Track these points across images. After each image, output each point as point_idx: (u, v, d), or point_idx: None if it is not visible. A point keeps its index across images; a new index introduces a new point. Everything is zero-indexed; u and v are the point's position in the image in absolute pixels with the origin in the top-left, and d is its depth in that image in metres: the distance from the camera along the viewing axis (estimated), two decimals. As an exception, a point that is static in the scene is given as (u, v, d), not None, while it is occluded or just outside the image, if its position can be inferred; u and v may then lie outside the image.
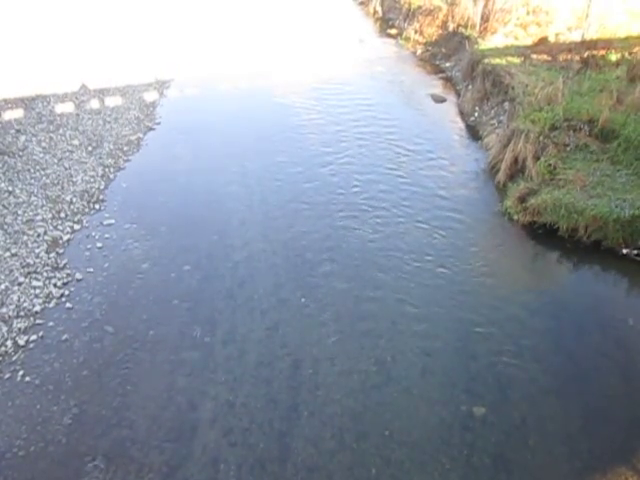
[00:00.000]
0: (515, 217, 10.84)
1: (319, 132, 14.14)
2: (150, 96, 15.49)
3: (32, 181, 11.24)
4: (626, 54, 15.18)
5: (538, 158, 11.50)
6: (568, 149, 11.64)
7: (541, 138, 11.83)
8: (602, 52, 15.40)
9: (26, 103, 14.02)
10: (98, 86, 15.38)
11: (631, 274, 9.64)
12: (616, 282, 9.73)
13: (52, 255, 9.39)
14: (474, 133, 14.90)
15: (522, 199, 10.92)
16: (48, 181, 11.28)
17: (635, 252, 9.80)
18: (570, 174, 10.91)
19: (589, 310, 8.99)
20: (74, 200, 10.81)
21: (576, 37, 16.53)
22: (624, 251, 9.85)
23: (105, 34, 19.52)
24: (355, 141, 13.76)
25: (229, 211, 10.99)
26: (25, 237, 9.69)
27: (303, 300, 8.86)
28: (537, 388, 7.43)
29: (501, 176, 12.01)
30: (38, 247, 9.50)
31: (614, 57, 15.18)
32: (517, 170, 11.81)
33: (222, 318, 8.48)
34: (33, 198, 10.72)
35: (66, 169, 11.75)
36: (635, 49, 15.26)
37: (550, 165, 11.23)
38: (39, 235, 9.78)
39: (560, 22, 17.82)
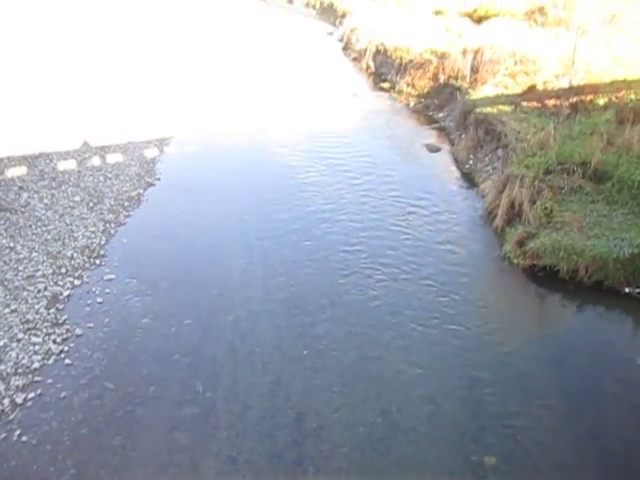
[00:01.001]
0: (515, 261, 10.85)
1: (318, 186, 14.28)
2: (151, 153, 15.80)
3: (34, 237, 11.31)
4: (613, 98, 15.63)
5: (534, 202, 11.63)
6: (563, 192, 11.79)
7: (536, 182, 12.00)
8: (590, 97, 15.86)
9: (29, 161, 14.30)
10: (100, 143, 15.72)
11: (635, 312, 9.57)
12: (621, 321, 9.66)
13: (52, 311, 9.33)
14: (470, 180, 15.12)
15: (521, 243, 10.97)
16: (49, 237, 11.36)
17: (637, 290, 9.77)
18: (567, 216, 11.00)
19: (596, 352, 8.87)
20: (75, 255, 10.84)
21: (564, 84, 17.04)
22: (626, 290, 9.81)
23: (106, 86, 20.12)
24: (354, 194, 13.88)
25: (229, 266, 10.99)
26: (25, 293, 9.66)
27: (305, 352, 8.74)
28: (549, 435, 7.23)
29: (498, 221, 12.10)
30: (38, 303, 9.45)
31: (602, 101, 15.62)
32: (514, 215, 11.92)
33: (224, 372, 8.34)
34: (34, 254, 10.76)
35: (67, 225, 11.84)
36: (621, 93, 15.72)
37: (546, 208, 11.35)
38: (39, 291, 9.76)
39: (547, 70, 18.40)
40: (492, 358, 8.64)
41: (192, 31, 33.70)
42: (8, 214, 11.99)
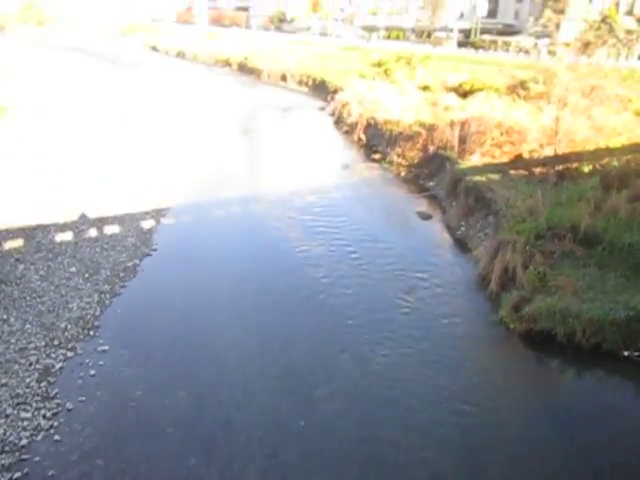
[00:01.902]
0: (511, 326, 10.83)
1: (313, 257, 14.35)
2: (147, 224, 16.01)
3: (27, 309, 11.23)
4: (597, 165, 16.19)
5: (527, 267, 11.76)
6: (555, 256, 11.96)
7: (527, 247, 12.20)
8: (575, 165, 16.42)
9: (27, 233, 14.43)
10: (97, 215, 15.93)
11: (636, 377, 9.47)
12: (622, 387, 9.54)
13: (43, 384, 9.13)
14: (462, 246, 15.33)
15: (516, 308, 11.00)
16: (44, 308, 11.28)
17: (637, 354, 9.71)
18: (560, 280, 11.10)
19: (599, 420, 8.71)
20: (69, 327, 10.73)
21: (549, 153, 17.67)
22: (625, 353, 9.75)
23: (104, 158, 20.59)
24: (349, 264, 13.94)
25: (225, 336, 10.90)
26: (17, 366, 9.48)
27: (302, 424, 8.53)
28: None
29: (493, 286, 12.17)
30: (29, 376, 9.25)
31: (586, 169, 16.17)
32: (508, 279, 12.01)
33: (219, 446, 8.09)
34: (27, 326, 10.65)
35: (62, 296, 11.80)
36: (605, 160, 16.30)
37: (539, 273, 11.47)
38: (31, 364, 9.58)
39: (532, 140, 19.11)
40: (497, 438, 8.42)
41: (195, 109, 35.00)
42: (3, 286, 11.97)
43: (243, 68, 61.69)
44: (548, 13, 48.69)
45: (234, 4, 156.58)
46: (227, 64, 66.75)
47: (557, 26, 53.83)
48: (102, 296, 12.02)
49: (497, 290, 11.99)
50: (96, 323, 11.03)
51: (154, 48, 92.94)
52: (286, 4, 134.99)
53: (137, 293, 12.49)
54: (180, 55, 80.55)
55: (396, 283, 12.94)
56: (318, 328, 11.16)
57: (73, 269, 12.95)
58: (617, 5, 62.48)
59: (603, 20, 51.21)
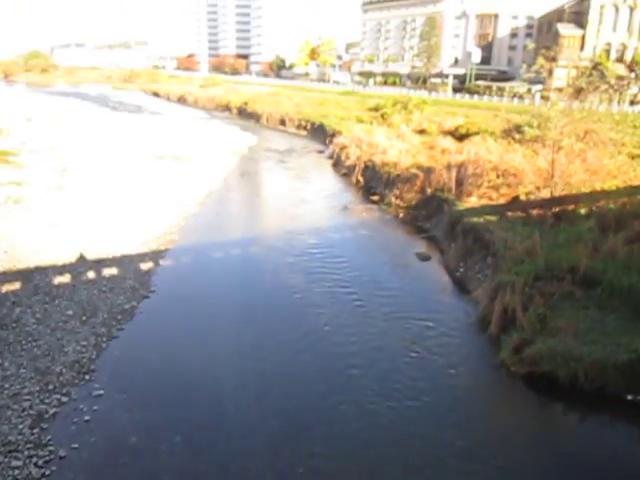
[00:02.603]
0: (513, 369, 10.69)
1: (314, 301, 14.25)
2: (146, 265, 15.98)
3: (22, 353, 11.07)
4: (593, 207, 16.32)
5: (527, 308, 11.70)
6: (554, 298, 11.90)
7: (527, 289, 12.16)
8: (571, 207, 16.55)
9: (25, 276, 14.36)
10: (96, 256, 15.93)
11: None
12: (627, 431, 9.33)
13: (36, 431, 8.91)
14: (461, 287, 15.29)
15: (517, 350, 10.88)
16: (39, 352, 11.12)
17: (640, 398, 9.56)
18: (561, 322, 11.02)
19: (605, 467, 8.49)
20: (64, 371, 10.56)
21: (545, 194, 17.85)
22: (629, 397, 9.59)
23: (106, 198, 20.71)
24: (350, 308, 13.89)
25: (223, 382, 10.73)
26: (9, 412, 9.28)
27: (301, 471, 8.31)
28: None
29: (493, 328, 12.09)
30: (22, 422, 9.04)
31: (583, 210, 16.29)
32: (508, 321, 11.92)
33: (215, 495, 7.86)
34: (22, 370, 10.48)
35: (58, 339, 11.66)
36: (601, 202, 16.45)
37: (540, 314, 11.39)
38: (24, 410, 9.38)
39: (528, 182, 19.35)
40: (499, 468, 8.26)
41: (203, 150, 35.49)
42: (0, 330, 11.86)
43: (243, 112, 63.06)
44: (541, 60, 50.09)
45: (234, 51, 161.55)
46: (227, 109, 68.26)
47: (550, 72, 55.36)
48: (98, 339, 11.88)
49: (497, 332, 11.89)
50: (92, 367, 10.87)
51: (156, 94, 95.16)
52: (285, 51, 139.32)
53: (134, 336, 12.35)
54: (181, 100, 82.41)
55: (398, 329, 12.77)
56: (319, 377, 10.95)
57: (70, 312, 12.85)
58: (607, 52, 64.49)
59: (594, 67, 52.72)
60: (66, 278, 14.54)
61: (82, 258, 15.77)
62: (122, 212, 20.35)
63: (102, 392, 10.07)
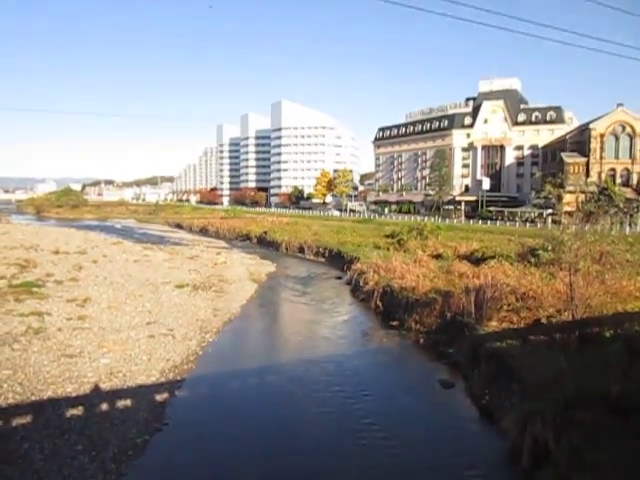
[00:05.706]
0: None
1: (332, 434, 13.80)
2: (161, 396, 15.60)
3: (24, 495, 10.53)
4: (619, 330, 15.88)
5: (559, 440, 10.98)
6: (587, 427, 11.19)
7: (557, 418, 11.50)
8: (595, 329, 16.13)
9: (37, 408, 14.01)
10: (111, 387, 15.63)
11: None
12: None
13: None
14: (488, 416, 14.56)
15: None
16: (41, 495, 10.57)
17: None
18: (598, 456, 10.24)
19: None
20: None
21: (566, 317, 17.51)
22: None
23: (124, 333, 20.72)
24: (370, 440, 13.36)
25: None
26: None
27: None
28: None
29: (525, 462, 11.28)
30: None
31: (608, 333, 15.84)
32: (540, 454, 11.15)
33: None
34: (23, 514, 9.90)
35: (64, 478, 11.10)
36: (626, 325, 16.03)
37: (574, 447, 10.64)
38: None
39: (548, 305, 19.11)
40: None
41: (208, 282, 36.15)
42: (4, 466, 11.36)
43: (262, 241, 65.09)
44: (548, 187, 52.13)
45: (254, 184, 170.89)
46: (247, 238, 70.61)
47: (559, 198, 57.10)
48: (107, 476, 11.30)
49: (530, 466, 11.07)
50: (97, 510, 10.23)
51: (179, 225, 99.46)
52: (303, 182, 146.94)
53: (144, 473, 11.74)
54: (203, 231, 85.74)
55: (425, 466, 12.03)
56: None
57: (80, 447, 12.37)
58: (613, 177, 66.80)
59: (601, 192, 54.38)
60: (79, 410, 14.18)
61: (97, 389, 15.51)
62: (142, 341, 20.30)
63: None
